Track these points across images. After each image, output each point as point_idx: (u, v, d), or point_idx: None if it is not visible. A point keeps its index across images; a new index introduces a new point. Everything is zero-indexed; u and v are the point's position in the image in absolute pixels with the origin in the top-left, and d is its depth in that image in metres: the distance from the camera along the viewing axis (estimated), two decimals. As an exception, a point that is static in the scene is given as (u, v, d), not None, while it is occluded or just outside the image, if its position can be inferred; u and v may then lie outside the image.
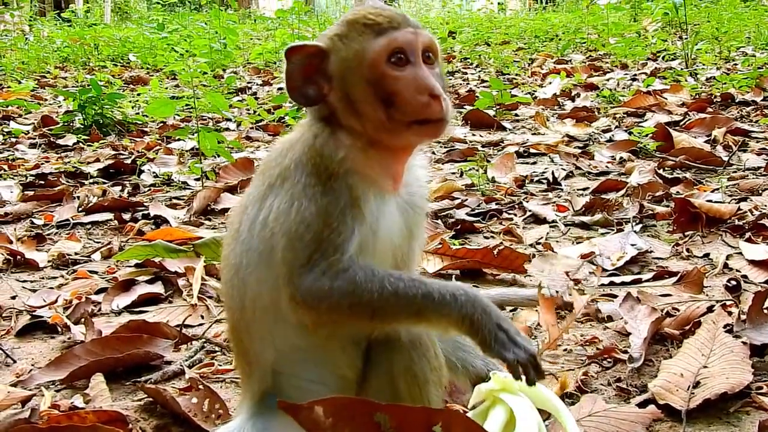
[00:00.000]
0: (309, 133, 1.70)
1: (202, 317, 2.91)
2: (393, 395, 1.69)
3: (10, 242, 3.75)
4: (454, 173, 5.07)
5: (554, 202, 4.23)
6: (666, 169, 4.78)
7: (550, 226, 3.82)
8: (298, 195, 1.63)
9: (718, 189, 4.10)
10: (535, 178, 4.88)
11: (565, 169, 5.02)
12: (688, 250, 3.33)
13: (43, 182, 5.18)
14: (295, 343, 1.71)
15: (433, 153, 5.79)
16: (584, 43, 13.50)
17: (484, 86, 9.06)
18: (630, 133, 5.68)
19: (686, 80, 8.19)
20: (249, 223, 1.72)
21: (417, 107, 1.63)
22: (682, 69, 9.07)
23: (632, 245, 3.32)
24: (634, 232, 3.48)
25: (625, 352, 2.35)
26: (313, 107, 1.72)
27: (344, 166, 1.63)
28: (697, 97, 7.28)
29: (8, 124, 7.65)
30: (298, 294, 1.60)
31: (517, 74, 10.37)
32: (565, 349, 2.45)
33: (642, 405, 2.06)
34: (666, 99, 7.11)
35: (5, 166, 5.67)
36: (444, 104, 1.64)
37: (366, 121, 1.65)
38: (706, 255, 3.26)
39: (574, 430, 1.73)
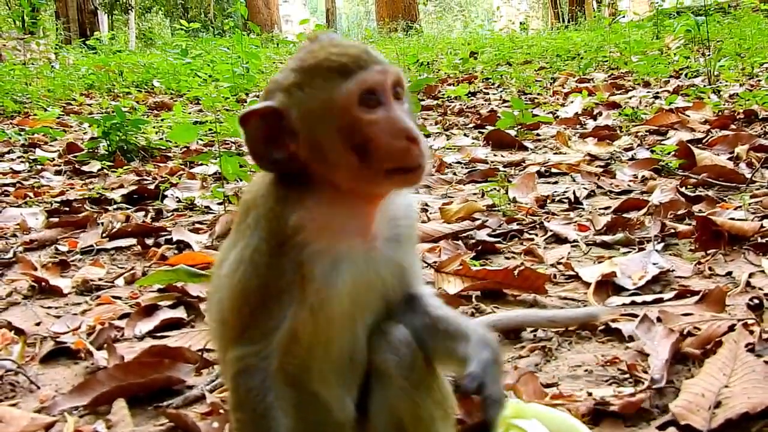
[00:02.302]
0: (272, 188, 1.60)
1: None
2: None
3: (35, 269, 3.79)
4: (475, 194, 5.07)
5: (576, 222, 4.20)
6: (688, 187, 4.74)
7: (572, 246, 3.80)
8: (247, 260, 1.58)
9: (740, 206, 4.06)
10: (557, 198, 4.87)
11: (586, 189, 5.00)
12: (710, 268, 3.29)
13: (67, 209, 5.23)
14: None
15: (455, 174, 5.80)
16: (606, 61, 13.50)
17: (505, 106, 9.07)
18: (652, 152, 5.66)
19: (709, 97, 8.15)
20: (217, 268, 1.72)
21: (394, 153, 1.51)
22: (704, 86, 9.03)
23: (654, 264, 3.29)
24: (656, 251, 3.45)
25: (646, 372, 2.33)
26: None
27: (298, 233, 1.54)
28: (720, 114, 7.23)
29: (34, 152, 7.76)
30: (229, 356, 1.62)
31: (538, 93, 10.38)
32: (586, 370, 2.44)
33: (663, 427, 2.04)
34: (689, 116, 7.08)
35: (31, 194, 5.74)
36: (422, 148, 1.53)
37: (339, 171, 1.54)
38: (729, 273, 3.22)
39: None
